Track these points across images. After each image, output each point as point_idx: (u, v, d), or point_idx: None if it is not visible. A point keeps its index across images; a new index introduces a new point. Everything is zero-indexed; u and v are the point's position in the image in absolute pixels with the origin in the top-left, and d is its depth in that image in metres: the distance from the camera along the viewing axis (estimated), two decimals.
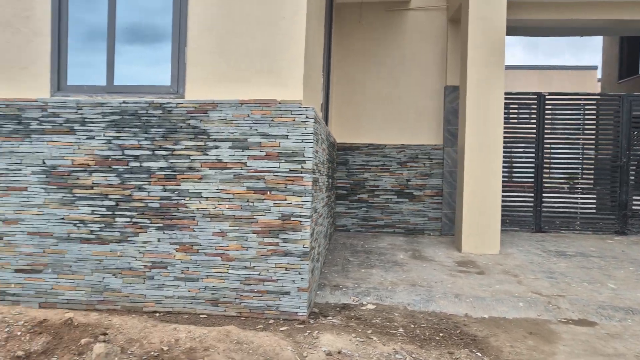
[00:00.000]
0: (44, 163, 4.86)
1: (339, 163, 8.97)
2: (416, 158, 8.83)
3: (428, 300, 5.41)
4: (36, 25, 4.92)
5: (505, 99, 9.15)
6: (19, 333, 3.77)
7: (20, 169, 4.89)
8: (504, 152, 9.33)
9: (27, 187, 4.88)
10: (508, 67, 29.45)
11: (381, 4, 8.86)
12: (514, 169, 9.57)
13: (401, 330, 4.51)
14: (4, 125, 4.90)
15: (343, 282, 5.84)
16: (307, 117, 4.57)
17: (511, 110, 9.70)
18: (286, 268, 4.61)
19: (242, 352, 3.54)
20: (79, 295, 4.85)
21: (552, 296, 5.59)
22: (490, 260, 7.02)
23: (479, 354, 4.01)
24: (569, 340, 4.41)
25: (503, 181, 9.42)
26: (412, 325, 4.65)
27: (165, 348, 3.63)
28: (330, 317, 4.76)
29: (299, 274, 4.59)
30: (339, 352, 3.66)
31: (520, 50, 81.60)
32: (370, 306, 5.26)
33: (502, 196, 9.13)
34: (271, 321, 4.55)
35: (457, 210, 7.73)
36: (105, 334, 3.75)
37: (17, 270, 4.92)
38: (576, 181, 9.43)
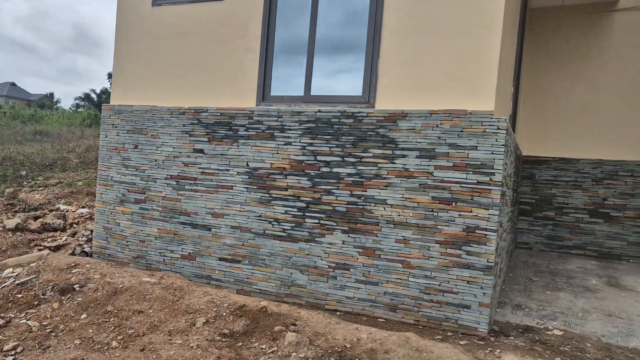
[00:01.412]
0: (248, 165, 5.44)
1: (524, 177, 8.45)
2: (615, 175, 7.92)
3: (628, 335, 4.82)
4: (249, 44, 5.54)
5: None
6: (224, 314, 4.28)
7: (228, 170, 5.54)
8: None
9: (232, 186, 5.52)
10: None
11: (582, 6, 8.16)
12: None
13: None
14: (218, 131, 5.61)
15: (525, 303, 5.50)
16: (498, 129, 4.43)
17: None
18: (468, 281, 4.51)
19: None
20: (270, 286, 5.32)
21: None
22: None
23: None
24: None
25: None
26: None
27: (348, 345, 3.80)
28: (512, 338, 4.52)
29: (481, 288, 4.45)
30: None
31: None
32: (556, 332, 4.87)
33: None
34: (449, 333, 4.48)
35: None
36: (294, 325, 4.06)
37: (220, 259, 5.58)
38: None
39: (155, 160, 5.97)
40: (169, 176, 5.87)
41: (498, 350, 4.02)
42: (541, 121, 8.45)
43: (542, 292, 5.90)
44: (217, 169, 5.60)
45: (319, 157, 5.13)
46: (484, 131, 4.48)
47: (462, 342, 4.19)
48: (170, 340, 3.82)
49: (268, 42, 5.50)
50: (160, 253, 5.92)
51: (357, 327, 4.09)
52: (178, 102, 5.90)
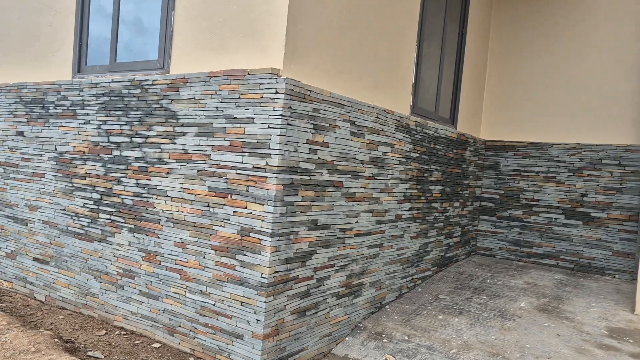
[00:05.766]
0: (56, 149, 4.58)
1: (487, 167, 6.85)
2: (599, 164, 6.12)
3: None
4: (64, 5, 4.67)
5: None
6: None
7: (41, 155, 4.72)
8: None
9: (44, 173, 4.69)
10: None
11: None
12: None
13: None
14: (34, 110, 4.81)
15: (392, 331, 4.16)
16: (276, 92, 3.20)
17: None
18: (242, 302, 3.33)
19: None
20: (70, 294, 4.43)
21: None
22: None
23: None
24: None
25: None
26: None
27: None
28: None
29: (255, 313, 3.25)
30: None
31: None
32: None
33: None
34: None
35: None
36: None
37: (34, 259, 4.77)
38: None
39: None
40: None
41: None
42: (509, 99, 6.80)
43: (432, 317, 4.50)
44: (33, 154, 4.79)
45: (111, 138, 4.15)
46: (261, 97, 3.27)
47: None
48: None
49: (83, 3, 4.59)
50: None
51: (50, 358, 3.08)
52: (6, 77, 5.17)
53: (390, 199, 4.55)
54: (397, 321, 4.37)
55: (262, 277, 3.21)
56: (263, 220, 3.22)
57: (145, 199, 3.88)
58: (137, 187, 3.93)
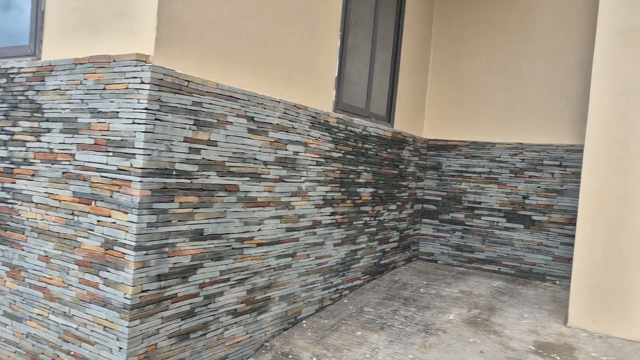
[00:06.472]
0: None
1: (429, 167, 6.51)
2: (540, 164, 5.83)
3: None
4: None
5: None
6: None
7: None
8: None
9: None
10: None
11: None
12: None
13: None
14: None
15: (301, 351, 3.74)
16: (142, 82, 2.74)
17: None
18: (105, 326, 2.86)
19: None
20: None
21: None
22: (608, 351, 3.96)
23: None
24: None
25: None
26: None
27: None
28: None
29: (117, 339, 2.78)
30: None
31: None
32: None
33: None
34: None
35: (574, 255, 4.67)
36: None
37: None
38: None
39: None
40: None
41: None
42: (452, 96, 6.48)
43: (349, 333, 4.09)
44: None
45: None
46: (126, 88, 2.80)
47: None
48: None
49: None
50: None
51: None
52: None
53: (305, 204, 4.13)
54: (309, 339, 3.95)
55: (125, 297, 2.75)
56: (127, 231, 2.75)
57: (10, 205, 3.37)
58: (3, 191, 3.41)
